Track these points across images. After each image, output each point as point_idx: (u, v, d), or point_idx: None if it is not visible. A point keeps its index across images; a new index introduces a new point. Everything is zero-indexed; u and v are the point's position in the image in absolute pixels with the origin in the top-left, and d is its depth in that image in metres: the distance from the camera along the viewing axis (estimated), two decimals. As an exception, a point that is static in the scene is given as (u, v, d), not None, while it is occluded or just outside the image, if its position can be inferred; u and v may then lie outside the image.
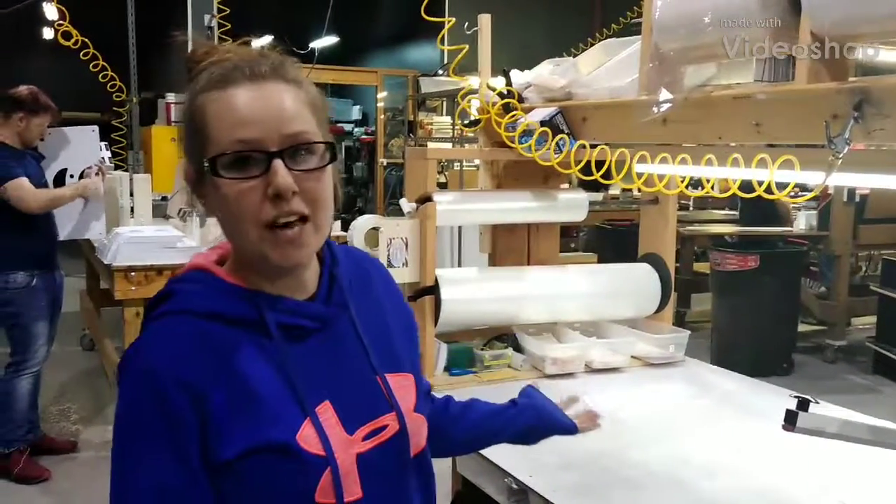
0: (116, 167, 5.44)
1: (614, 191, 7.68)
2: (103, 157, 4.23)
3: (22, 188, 3.58)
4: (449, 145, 8.83)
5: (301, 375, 1.01)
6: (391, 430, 1.06)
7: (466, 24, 2.43)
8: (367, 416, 1.05)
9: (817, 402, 1.31)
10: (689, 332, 2.55)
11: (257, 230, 0.97)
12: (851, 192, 5.74)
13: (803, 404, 1.28)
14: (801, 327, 6.25)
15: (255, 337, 1.01)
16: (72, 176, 4.02)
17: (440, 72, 9.23)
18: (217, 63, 1.01)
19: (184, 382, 0.95)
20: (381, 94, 10.37)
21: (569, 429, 1.42)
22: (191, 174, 1.03)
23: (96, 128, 4.23)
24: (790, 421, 1.27)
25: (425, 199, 2.28)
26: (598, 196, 2.72)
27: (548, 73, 2.44)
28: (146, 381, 0.96)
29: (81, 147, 4.08)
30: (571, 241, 7.10)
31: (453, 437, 1.36)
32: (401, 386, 1.10)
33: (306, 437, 0.98)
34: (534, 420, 1.39)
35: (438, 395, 1.41)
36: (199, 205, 1.05)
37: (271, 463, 0.96)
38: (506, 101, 2.38)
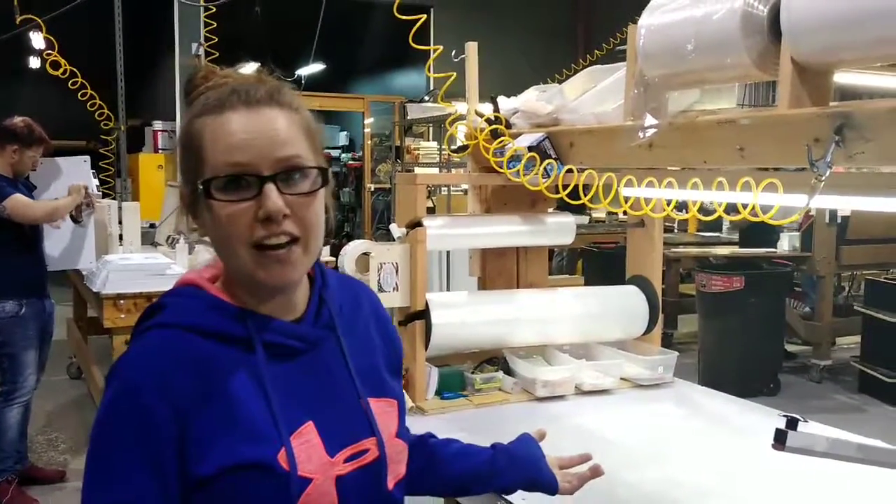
0: (104, 195, 5.44)
1: (600, 214, 7.77)
2: (92, 187, 4.24)
3: (20, 201, 3.62)
4: (436, 170, 8.87)
5: (285, 395, 1.02)
6: (371, 455, 1.07)
7: (454, 51, 2.47)
8: (349, 439, 1.06)
9: (806, 421, 1.33)
10: (677, 353, 2.58)
11: (247, 250, 0.99)
12: (833, 213, 5.81)
13: (792, 423, 1.29)
14: (787, 347, 6.29)
15: (241, 354, 1.02)
16: None
17: (426, 98, 9.30)
18: (214, 87, 1.04)
19: (166, 396, 0.96)
20: (368, 120, 10.44)
21: (552, 489, 1.43)
22: (186, 195, 1.05)
23: (88, 158, 4.28)
24: (780, 440, 1.29)
25: (415, 224, 2.30)
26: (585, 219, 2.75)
27: (535, 100, 2.48)
28: (128, 393, 0.97)
29: (73, 177, 4.12)
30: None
31: (436, 475, 1.37)
32: (384, 411, 1.12)
33: (287, 457, 0.98)
34: (521, 478, 1.42)
35: (430, 418, 1.41)
36: (193, 226, 1.07)
37: (250, 481, 0.97)
38: (494, 126, 2.41)
